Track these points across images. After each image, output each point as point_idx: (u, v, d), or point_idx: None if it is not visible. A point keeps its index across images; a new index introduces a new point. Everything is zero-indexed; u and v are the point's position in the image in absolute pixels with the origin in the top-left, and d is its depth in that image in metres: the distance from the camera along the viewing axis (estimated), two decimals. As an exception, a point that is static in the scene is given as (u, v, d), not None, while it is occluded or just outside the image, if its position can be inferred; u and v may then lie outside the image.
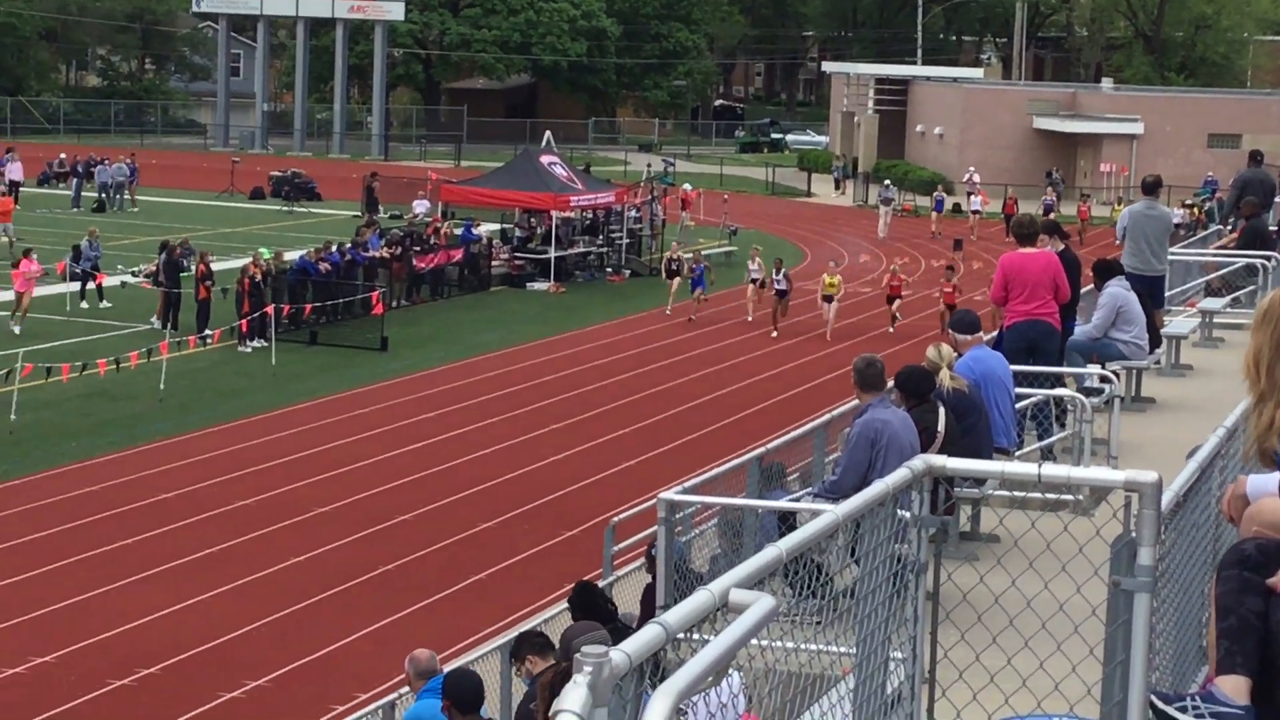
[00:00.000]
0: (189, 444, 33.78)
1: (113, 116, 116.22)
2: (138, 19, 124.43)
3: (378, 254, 50.57)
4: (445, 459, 33.42)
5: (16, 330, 40.82)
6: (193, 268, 45.20)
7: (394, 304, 49.23)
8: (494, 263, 57.74)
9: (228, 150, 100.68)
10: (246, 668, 22.07)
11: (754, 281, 50.38)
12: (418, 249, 53.42)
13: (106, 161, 77.41)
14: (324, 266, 47.02)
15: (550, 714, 4.07)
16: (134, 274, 48.72)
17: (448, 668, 13.03)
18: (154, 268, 46.38)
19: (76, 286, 47.98)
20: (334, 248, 48.66)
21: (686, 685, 4.20)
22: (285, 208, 76.89)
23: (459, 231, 56.86)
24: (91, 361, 37.47)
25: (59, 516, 28.35)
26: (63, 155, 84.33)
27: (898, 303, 50.51)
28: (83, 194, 74.63)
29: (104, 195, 74.07)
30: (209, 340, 43.06)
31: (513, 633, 15.78)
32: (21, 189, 73.38)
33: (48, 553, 26.47)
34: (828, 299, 48.61)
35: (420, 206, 66.31)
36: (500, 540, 28.20)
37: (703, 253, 56.92)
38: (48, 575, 25.47)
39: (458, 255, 55.41)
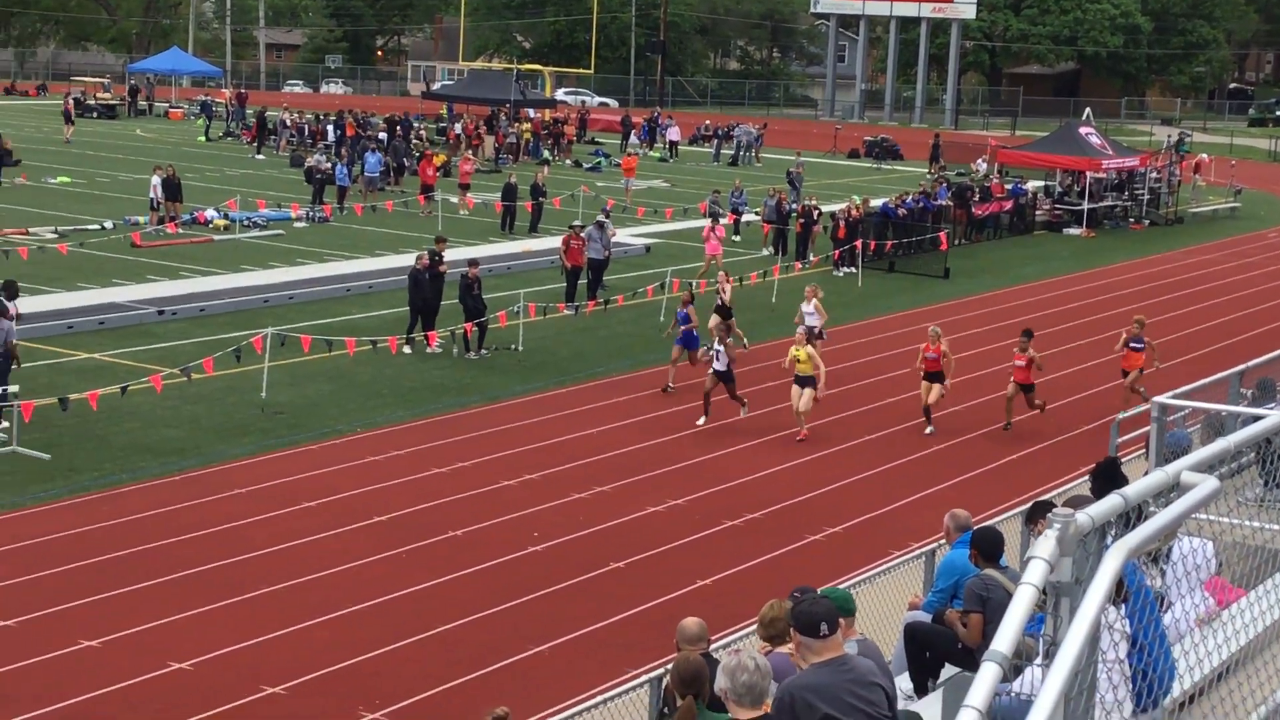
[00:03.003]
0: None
1: (746, 93, 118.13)
2: (769, 17, 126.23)
3: (944, 202, 50.09)
4: (998, 361, 32.87)
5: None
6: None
7: (957, 242, 48.71)
8: (1038, 212, 56.62)
9: (832, 120, 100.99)
10: (725, 557, 20.51)
11: (809, 330, 29.66)
12: (976, 199, 52.78)
13: (739, 126, 78.93)
14: (901, 211, 46.91)
15: (1026, 558, 4.04)
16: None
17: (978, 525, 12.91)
18: (764, 209, 47.12)
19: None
20: (910, 196, 48.43)
21: (1137, 543, 4.10)
22: (874, 165, 76.95)
23: (1010, 186, 55.96)
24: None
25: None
26: (707, 121, 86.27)
27: (938, 389, 27.24)
28: (721, 152, 76.31)
29: (737, 153, 75.51)
30: (809, 265, 43.47)
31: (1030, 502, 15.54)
32: (678, 147, 76.55)
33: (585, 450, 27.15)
34: (800, 381, 26.24)
35: (981, 166, 65.63)
36: (1029, 431, 27.73)
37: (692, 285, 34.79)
38: (562, 474, 23.77)
39: (1009, 205, 54.54)
